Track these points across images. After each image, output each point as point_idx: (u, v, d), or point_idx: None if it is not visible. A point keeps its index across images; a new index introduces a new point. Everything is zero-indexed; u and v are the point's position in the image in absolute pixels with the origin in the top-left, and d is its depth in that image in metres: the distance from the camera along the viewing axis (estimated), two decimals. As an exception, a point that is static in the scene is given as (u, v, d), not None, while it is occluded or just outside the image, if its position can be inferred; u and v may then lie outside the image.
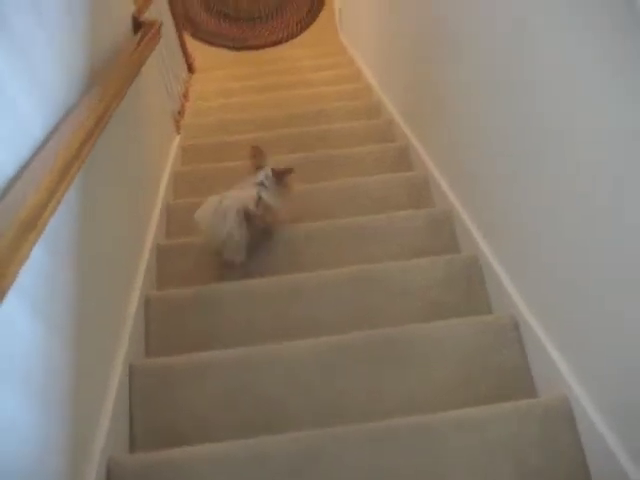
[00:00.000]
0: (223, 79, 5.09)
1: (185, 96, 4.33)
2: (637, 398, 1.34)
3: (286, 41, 6.06)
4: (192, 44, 5.57)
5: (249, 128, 3.74)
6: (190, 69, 5.01)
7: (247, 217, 2.26)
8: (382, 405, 1.82)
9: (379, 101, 3.81)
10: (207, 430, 1.79)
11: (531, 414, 1.63)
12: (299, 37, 6.10)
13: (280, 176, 2.42)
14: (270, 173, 2.41)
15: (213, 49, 6.04)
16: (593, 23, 1.25)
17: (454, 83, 2.28)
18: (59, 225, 1.41)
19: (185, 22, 6.04)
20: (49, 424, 1.31)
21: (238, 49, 6.01)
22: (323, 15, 6.26)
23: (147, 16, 2.91)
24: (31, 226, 1.07)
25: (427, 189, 2.76)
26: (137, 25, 2.59)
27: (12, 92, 1.28)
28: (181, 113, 3.91)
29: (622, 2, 1.10)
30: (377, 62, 4.00)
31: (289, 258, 2.46)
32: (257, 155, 2.51)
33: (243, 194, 2.31)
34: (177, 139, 3.46)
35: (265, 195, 2.36)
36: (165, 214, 2.74)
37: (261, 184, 2.39)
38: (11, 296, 1.02)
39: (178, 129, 3.57)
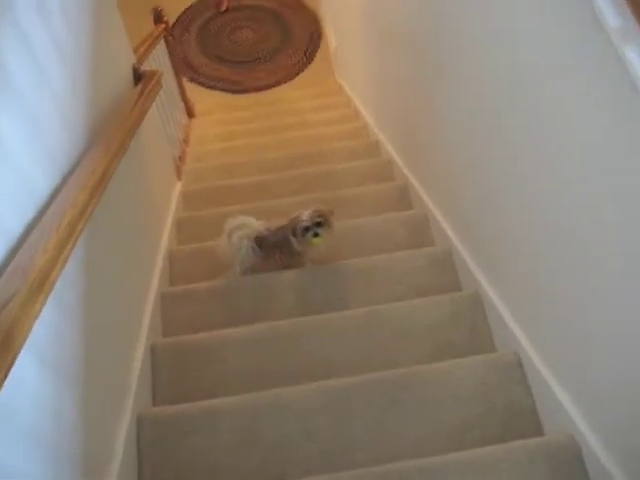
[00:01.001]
0: (223, 122, 5.14)
1: (185, 141, 4.38)
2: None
3: (284, 83, 6.13)
4: (191, 88, 5.65)
5: (251, 171, 3.78)
6: (190, 114, 5.07)
7: (260, 241, 2.50)
8: (390, 448, 1.82)
9: (377, 140, 3.85)
10: (215, 478, 1.80)
11: (539, 453, 1.64)
12: (297, 78, 6.17)
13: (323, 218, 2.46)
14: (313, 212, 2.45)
15: (212, 93, 6.11)
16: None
17: (448, 124, 2.32)
18: (67, 281, 1.43)
19: (184, 67, 6.12)
20: (59, 476, 1.32)
21: (237, 92, 6.08)
22: (320, 56, 6.34)
23: (147, 66, 2.97)
24: (41, 286, 1.10)
25: (427, 227, 2.79)
26: (138, 76, 2.64)
27: (15, 151, 1.31)
28: (182, 159, 3.96)
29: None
30: (373, 101, 4.06)
31: (295, 301, 2.47)
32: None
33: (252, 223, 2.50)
34: (179, 185, 3.49)
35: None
36: (168, 261, 2.76)
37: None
38: (23, 352, 1.04)
39: (179, 175, 3.60)
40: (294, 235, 2.44)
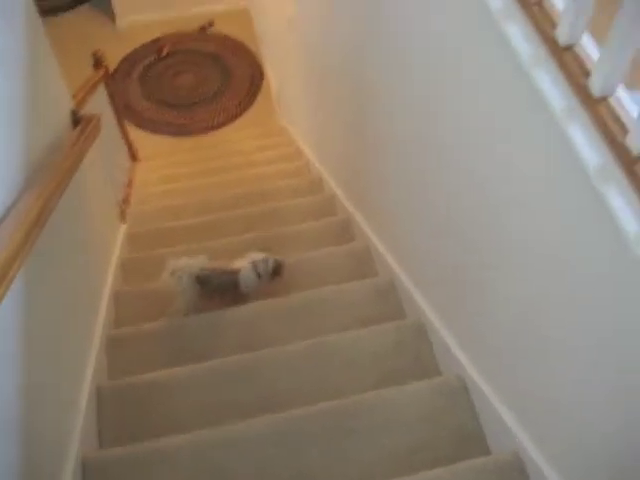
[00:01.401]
0: (167, 166, 5.14)
1: (129, 185, 4.36)
2: (582, 448, 1.38)
3: (227, 124, 6.16)
4: (134, 133, 5.64)
5: (196, 212, 3.78)
6: (133, 157, 5.05)
7: (199, 281, 2.51)
8: (342, 475, 1.83)
9: (320, 177, 3.90)
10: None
11: (486, 472, 1.67)
12: (239, 120, 6.22)
13: (278, 268, 2.61)
14: (271, 260, 2.58)
15: (156, 136, 6.11)
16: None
17: (384, 159, 2.38)
18: (4, 320, 1.42)
19: (126, 111, 6.11)
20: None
21: (180, 135, 6.10)
22: (261, 97, 6.41)
23: (87, 110, 2.96)
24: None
25: (370, 258, 2.83)
26: (76, 120, 2.64)
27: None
28: (126, 201, 3.93)
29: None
30: (315, 139, 4.12)
31: (241, 337, 2.47)
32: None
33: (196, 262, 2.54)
34: (123, 227, 3.47)
35: (243, 275, 2.55)
36: (113, 302, 2.74)
37: (253, 263, 2.55)
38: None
39: (124, 218, 3.58)
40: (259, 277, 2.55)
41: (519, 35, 1.25)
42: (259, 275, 2.55)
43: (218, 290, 2.58)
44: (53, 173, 1.90)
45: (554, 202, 1.26)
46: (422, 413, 1.93)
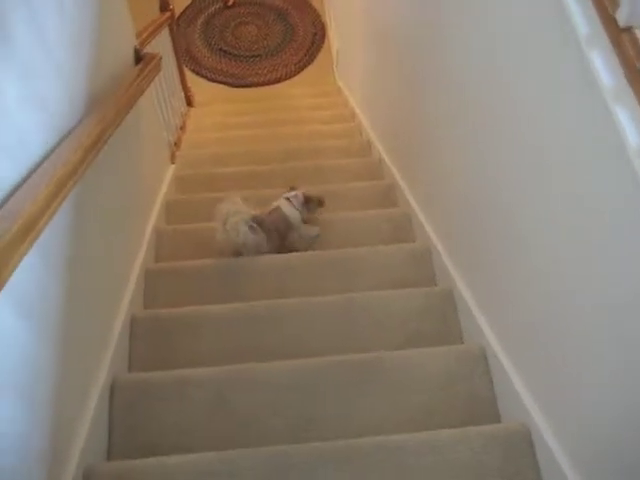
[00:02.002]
0: (221, 114, 5.20)
1: (182, 128, 4.44)
2: (591, 428, 1.42)
3: (284, 80, 6.20)
4: (192, 79, 5.71)
5: (244, 161, 3.84)
6: (189, 103, 5.13)
7: (258, 223, 2.57)
8: (354, 426, 1.88)
9: (369, 140, 3.92)
10: (184, 443, 1.85)
11: (494, 438, 1.70)
12: (297, 77, 6.24)
13: (308, 200, 2.77)
14: (300, 194, 2.75)
15: (212, 85, 6.18)
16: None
17: (435, 128, 2.40)
18: (53, 236, 1.50)
19: (186, 57, 6.19)
20: (31, 425, 1.38)
21: (237, 86, 6.15)
22: (321, 57, 6.42)
23: (149, 49, 3.03)
24: (27, 231, 1.16)
25: (409, 225, 2.86)
26: (138, 57, 2.71)
27: (14, 107, 1.38)
28: (177, 144, 4.02)
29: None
30: (368, 103, 4.13)
31: (274, 286, 2.53)
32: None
33: (244, 207, 2.60)
34: (172, 168, 3.55)
35: (285, 209, 2.69)
36: (155, 239, 2.82)
37: (287, 199, 2.72)
38: (3, 297, 1.10)
39: (173, 159, 3.66)
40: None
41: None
42: (296, 208, 2.69)
43: (273, 230, 2.65)
44: (113, 103, 1.97)
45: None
46: (440, 377, 1.97)
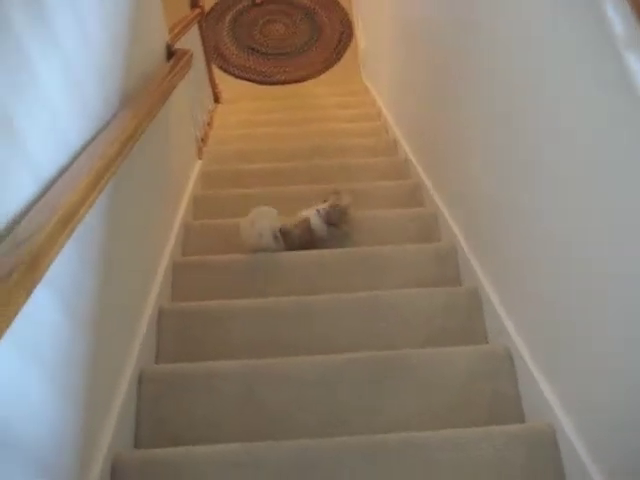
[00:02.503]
0: (247, 111, 5.23)
1: (209, 124, 4.48)
2: (621, 433, 1.42)
3: (311, 78, 6.22)
4: (220, 76, 5.75)
5: (269, 158, 3.86)
6: (216, 99, 5.17)
7: (284, 234, 2.66)
8: (379, 422, 1.89)
9: (395, 140, 3.93)
10: (211, 436, 1.87)
11: (518, 438, 1.71)
12: (323, 75, 6.26)
13: (334, 214, 2.74)
14: (327, 208, 2.74)
15: (239, 82, 6.22)
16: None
17: (463, 128, 2.40)
18: (90, 228, 1.53)
19: (214, 54, 6.24)
20: (64, 411, 1.41)
21: (264, 83, 6.19)
22: (348, 56, 6.43)
23: (179, 46, 3.06)
24: (67, 222, 1.19)
25: (435, 223, 2.87)
26: (170, 53, 2.74)
27: (53, 97, 1.41)
28: (204, 140, 4.05)
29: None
30: (395, 102, 4.13)
31: (301, 282, 2.55)
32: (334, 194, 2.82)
33: (273, 214, 2.70)
34: (199, 164, 3.58)
35: (314, 220, 2.73)
36: (182, 233, 2.86)
37: (317, 211, 2.74)
38: (41, 286, 1.13)
39: (200, 155, 3.70)
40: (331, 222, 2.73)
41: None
42: (326, 222, 2.71)
43: (297, 242, 2.70)
44: (147, 98, 2.00)
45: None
46: (465, 376, 1.98)
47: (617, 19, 1.21)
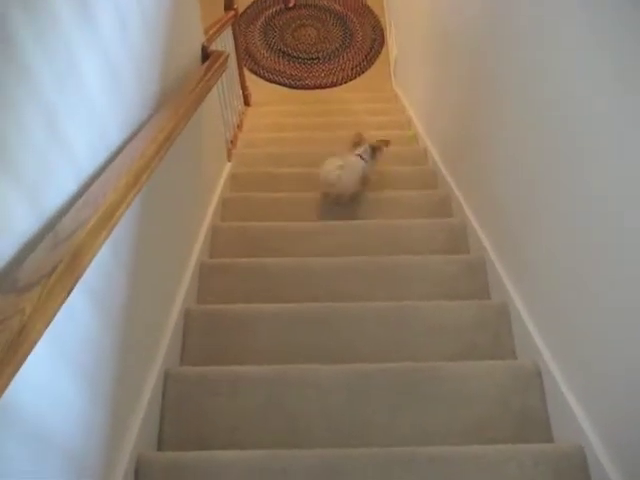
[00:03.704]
0: (277, 114, 5.22)
1: (239, 127, 4.48)
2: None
3: (341, 84, 6.22)
4: (250, 78, 5.76)
5: (298, 162, 3.84)
6: (246, 102, 5.18)
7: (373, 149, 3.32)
8: (403, 434, 1.88)
9: (425, 149, 3.91)
10: (234, 439, 1.87)
11: (546, 459, 1.69)
12: (354, 81, 6.25)
13: (375, 150, 3.36)
14: (368, 148, 3.33)
15: (269, 85, 6.23)
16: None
17: (496, 140, 2.38)
18: (124, 227, 1.53)
19: (245, 56, 6.26)
20: (93, 409, 1.41)
21: (294, 87, 6.19)
22: (379, 62, 6.43)
23: (213, 47, 3.07)
24: (108, 219, 1.19)
25: (464, 235, 2.85)
26: (205, 55, 2.74)
27: (94, 96, 1.41)
28: (234, 142, 4.06)
29: None
30: (425, 111, 4.12)
31: (327, 288, 2.54)
32: (358, 139, 3.41)
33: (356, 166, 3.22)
34: (228, 166, 3.59)
35: (364, 165, 3.26)
36: (210, 235, 2.85)
37: (358, 155, 3.27)
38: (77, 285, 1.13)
39: (229, 157, 3.70)
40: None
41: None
42: (365, 160, 3.27)
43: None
44: (184, 99, 2.01)
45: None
46: (492, 391, 1.96)
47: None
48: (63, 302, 1.03)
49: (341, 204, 3.23)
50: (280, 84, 6.22)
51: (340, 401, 1.94)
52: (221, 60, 2.74)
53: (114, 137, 1.50)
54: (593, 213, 1.56)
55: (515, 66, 2.13)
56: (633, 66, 1.35)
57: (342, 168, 3.11)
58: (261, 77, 6.27)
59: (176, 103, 1.92)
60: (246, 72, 5.65)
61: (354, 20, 6.80)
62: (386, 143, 3.39)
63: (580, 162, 1.63)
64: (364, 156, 3.28)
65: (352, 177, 3.15)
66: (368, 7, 6.94)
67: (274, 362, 2.10)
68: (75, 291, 1.11)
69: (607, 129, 1.49)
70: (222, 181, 3.31)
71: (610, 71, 1.46)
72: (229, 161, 3.67)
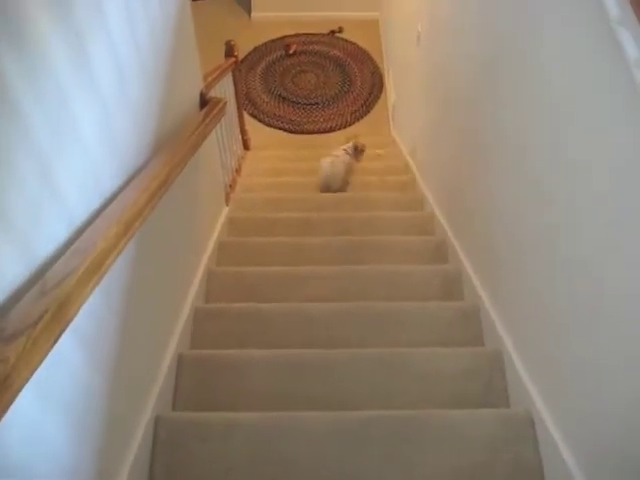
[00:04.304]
0: (275, 159, 5.27)
1: (237, 171, 4.52)
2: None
3: (340, 129, 6.29)
4: (249, 123, 5.83)
5: (296, 207, 3.87)
6: (245, 146, 5.23)
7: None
8: (396, 484, 1.87)
9: (423, 194, 3.94)
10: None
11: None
12: (352, 126, 6.32)
13: (357, 148, 4.53)
14: (352, 146, 4.52)
15: (269, 129, 6.30)
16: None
17: (483, 189, 2.41)
18: (116, 273, 1.54)
19: (246, 101, 6.34)
20: (81, 455, 1.40)
21: (293, 132, 6.25)
22: (377, 108, 6.50)
23: (213, 94, 3.12)
24: (97, 268, 1.20)
25: (459, 281, 2.86)
26: (204, 101, 2.78)
27: (89, 143, 1.43)
28: (232, 187, 4.09)
29: None
30: (423, 157, 4.16)
31: (321, 335, 2.53)
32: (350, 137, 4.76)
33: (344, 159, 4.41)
34: (226, 210, 3.61)
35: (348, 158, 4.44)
36: (206, 279, 2.86)
37: (345, 150, 4.47)
38: (66, 331, 1.13)
39: (227, 201, 3.72)
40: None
41: None
42: (349, 154, 4.46)
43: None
44: (180, 146, 2.03)
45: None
46: (485, 439, 1.94)
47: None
48: (50, 350, 1.03)
49: (332, 191, 4.27)
50: (280, 129, 6.29)
51: (333, 450, 1.92)
52: (219, 107, 2.77)
53: (108, 185, 1.52)
54: (589, 261, 1.57)
55: (510, 121, 2.17)
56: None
57: (332, 163, 4.31)
58: (261, 122, 6.34)
59: (172, 150, 1.94)
60: (246, 117, 5.72)
61: (353, 66, 6.91)
62: (363, 147, 4.57)
63: (576, 212, 1.65)
64: (348, 151, 4.47)
65: (340, 167, 4.32)
66: (367, 53, 7.06)
67: (267, 408, 2.09)
68: (64, 337, 1.11)
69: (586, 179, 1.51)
70: (219, 226, 3.32)
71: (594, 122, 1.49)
72: (227, 205, 3.70)
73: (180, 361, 2.27)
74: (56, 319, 1.04)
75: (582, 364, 1.63)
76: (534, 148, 1.91)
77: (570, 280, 1.67)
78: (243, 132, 5.17)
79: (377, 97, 6.61)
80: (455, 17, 3.10)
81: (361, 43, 7.18)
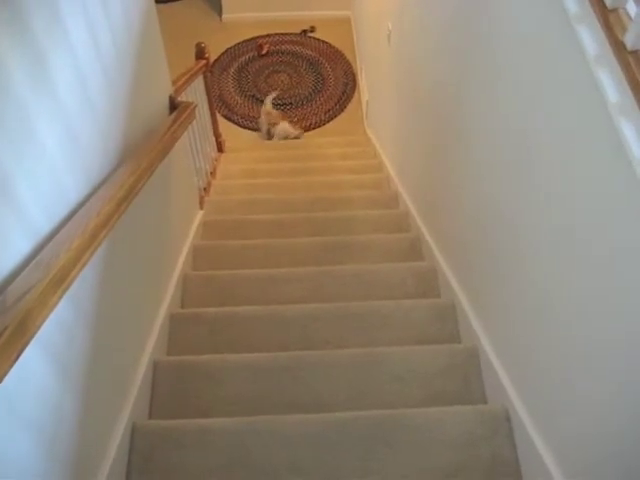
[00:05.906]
0: (250, 160, 5.24)
1: (212, 174, 4.49)
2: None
3: (314, 128, 6.28)
4: (224, 125, 5.80)
5: (271, 209, 3.86)
6: (219, 148, 5.19)
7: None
8: (373, 485, 1.87)
9: (397, 192, 3.94)
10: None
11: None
12: (326, 125, 6.32)
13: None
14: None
15: (243, 131, 6.28)
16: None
17: (461, 185, 2.41)
18: (84, 284, 1.52)
19: (219, 103, 6.32)
20: (52, 470, 1.39)
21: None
22: (351, 107, 6.51)
23: (184, 98, 3.10)
24: (60, 281, 1.19)
25: (435, 279, 2.86)
26: (173, 105, 2.76)
27: (52, 155, 1.41)
28: (206, 190, 4.06)
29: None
30: (397, 155, 4.16)
31: (297, 336, 2.53)
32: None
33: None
34: (200, 214, 3.59)
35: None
36: (182, 284, 2.85)
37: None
38: (32, 344, 1.12)
39: (202, 205, 3.70)
40: None
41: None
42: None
43: None
44: (147, 152, 2.01)
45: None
46: (462, 437, 1.95)
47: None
48: (12, 366, 1.02)
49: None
50: (254, 130, 6.28)
51: (309, 452, 1.92)
52: (188, 111, 2.75)
53: (73, 196, 1.50)
54: (563, 257, 1.57)
55: (478, 113, 2.17)
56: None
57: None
58: (235, 123, 6.32)
59: (139, 157, 1.92)
60: (221, 119, 5.69)
61: (326, 65, 6.91)
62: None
63: (545, 207, 1.66)
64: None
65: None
66: (340, 52, 7.06)
67: (243, 413, 2.09)
68: (32, 351, 1.10)
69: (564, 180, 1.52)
70: (193, 229, 3.30)
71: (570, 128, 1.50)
72: (201, 209, 3.68)
73: (156, 368, 2.26)
74: (17, 335, 1.02)
75: (556, 359, 1.64)
76: (501, 146, 1.92)
77: (544, 276, 1.67)
78: (217, 135, 5.14)
79: (350, 96, 6.61)
80: (423, 15, 3.10)
81: (334, 42, 7.17)
